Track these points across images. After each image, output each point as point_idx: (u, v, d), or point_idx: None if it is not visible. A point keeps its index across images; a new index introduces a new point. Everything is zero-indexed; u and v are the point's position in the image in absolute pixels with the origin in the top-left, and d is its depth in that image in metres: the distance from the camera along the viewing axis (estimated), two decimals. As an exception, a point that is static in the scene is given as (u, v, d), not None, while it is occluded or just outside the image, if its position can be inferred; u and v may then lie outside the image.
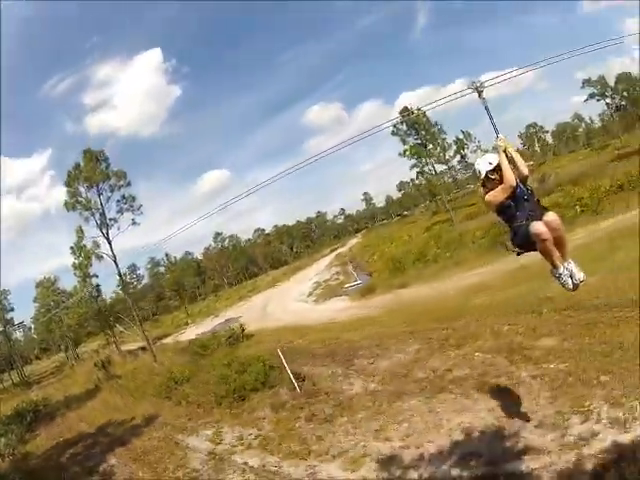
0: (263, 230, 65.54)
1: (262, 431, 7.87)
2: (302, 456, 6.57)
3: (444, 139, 33.73)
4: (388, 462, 5.70)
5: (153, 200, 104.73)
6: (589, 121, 51.92)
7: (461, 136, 39.38)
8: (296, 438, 7.18)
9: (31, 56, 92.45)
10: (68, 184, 17.44)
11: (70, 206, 18.48)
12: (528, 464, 4.52)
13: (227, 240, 59.25)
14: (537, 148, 58.24)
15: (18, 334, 35.66)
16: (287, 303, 21.20)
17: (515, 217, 2.97)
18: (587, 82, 32.46)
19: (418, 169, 34.41)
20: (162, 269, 51.30)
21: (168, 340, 21.63)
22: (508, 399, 5.91)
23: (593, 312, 7.11)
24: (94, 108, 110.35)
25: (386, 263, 18.61)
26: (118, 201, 18.30)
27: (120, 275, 18.33)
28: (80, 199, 17.72)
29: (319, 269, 31.36)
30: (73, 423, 12.71)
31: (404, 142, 35.25)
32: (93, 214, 18.13)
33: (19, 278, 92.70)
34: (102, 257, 17.19)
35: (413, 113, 27.34)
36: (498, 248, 14.78)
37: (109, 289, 34.24)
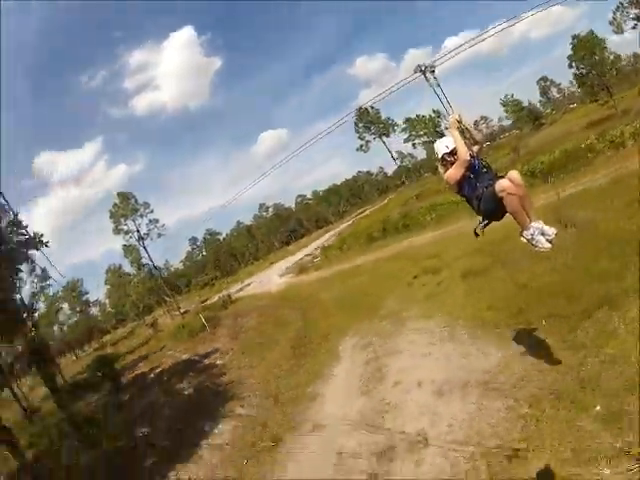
0: (305, 196, 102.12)
1: (190, 345, 28.53)
2: (190, 351, 26.82)
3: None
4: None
5: (215, 165, 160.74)
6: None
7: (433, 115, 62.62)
8: (201, 346, 27.34)
9: (60, 54, 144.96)
10: (112, 216, 41.54)
11: (116, 232, 43.47)
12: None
13: (271, 209, 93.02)
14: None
15: (94, 310, 69.45)
16: (274, 274, 42.28)
17: (476, 188, 5.03)
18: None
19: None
20: (221, 237, 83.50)
21: (207, 302, 44.50)
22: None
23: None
24: (137, 91, 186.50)
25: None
26: (147, 223, 42.74)
27: (155, 267, 42.68)
28: (122, 227, 42.40)
29: (324, 240, 50.17)
30: (132, 359, 36.37)
31: (361, 138, 63.80)
32: (132, 236, 42.96)
33: (83, 257, 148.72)
34: (142, 261, 42.43)
35: (363, 110, 44.71)
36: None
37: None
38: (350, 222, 61.55)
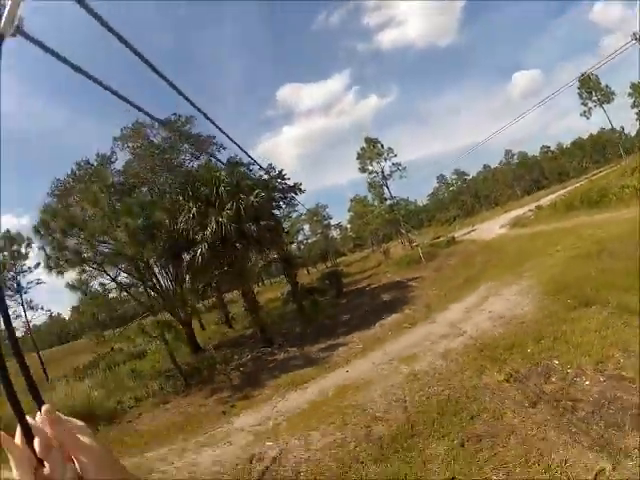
0: (548, 147, 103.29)
1: (405, 271, 36.12)
2: (401, 275, 34.43)
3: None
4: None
5: (466, 102, 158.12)
6: None
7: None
8: (411, 273, 34.81)
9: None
10: (359, 157, 50.53)
11: (362, 171, 52.61)
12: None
13: (516, 156, 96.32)
14: None
15: (335, 233, 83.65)
16: (498, 223, 46.68)
17: None
18: None
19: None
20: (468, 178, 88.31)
21: (439, 239, 50.94)
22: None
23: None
24: (380, 27, 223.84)
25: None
26: (390, 166, 51.00)
27: (396, 203, 51.03)
28: (367, 167, 51.45)
29: (552, 197, 50.90)
30: (357, 278, 45.35)
31: (584, 104, 68.28)
32: (376, 175, 51.67)
33: (330, 181, 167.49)
34: (385, 196, 51.09)
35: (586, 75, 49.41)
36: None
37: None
38: (580, 183, 61.02)
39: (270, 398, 14.71)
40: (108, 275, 25.49)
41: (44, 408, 0.82)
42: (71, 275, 24.54)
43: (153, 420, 17.18)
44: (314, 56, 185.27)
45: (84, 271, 24.97)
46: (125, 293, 26.64)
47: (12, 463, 0.77)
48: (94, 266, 24.72)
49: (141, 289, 26.25)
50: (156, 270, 26.35)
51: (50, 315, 45.44)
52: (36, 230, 24.36)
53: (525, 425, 7.59)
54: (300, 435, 10.50)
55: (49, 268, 24.16)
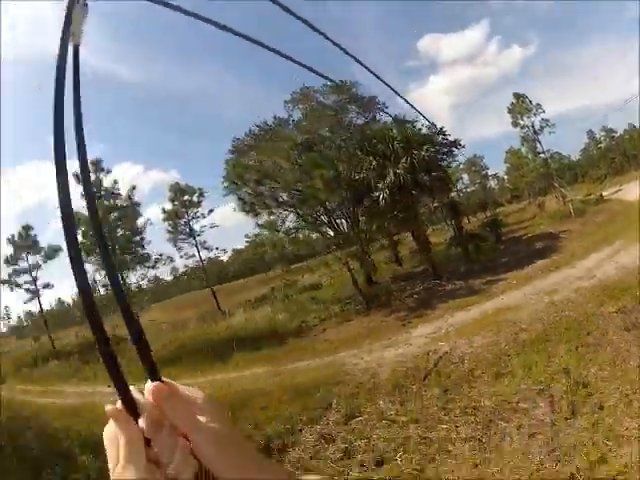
0: None
1: (557, 224, 38.78)
2: (552, 227, 37.17)
3: None
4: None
5: (614, 53, 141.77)
6: None
7: None
8: (561, 226, 37.23)
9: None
10: (509, 112, 52.12)
11: (514, 126, 53.34)
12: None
13: None
14: None
15: (493, 183, 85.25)
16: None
17: None
18: None
19: None
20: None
21: (589, 197, 51.25)
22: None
23: None
24: None
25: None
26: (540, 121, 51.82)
27: (550, 157, 52.85)
28: (519, 122, 52.49)
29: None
30: (514, 228, 46.06)
31: None
32: (528, 130, 52.77)
33: (475, 136, 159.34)
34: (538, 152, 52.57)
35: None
36: None
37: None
38: None
39: (441, 316, 19.57)
40: (300, 217, 31.54)
41: (155, 383, 0.76)
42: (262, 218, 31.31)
43: (339, 333, 22.24)
44: (447, 7, 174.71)
45: (272, 213, 31.03)
46: (306, 232, 32.70)
47: (121, 441, 0.71)
48: (288, 209, 30.93)
49: (328, 229, 32.13)
50: (336, 213, 32.06)
51: (209, 258, 53.73)
52: (231, 181, 31.17)
53: (619, 341, 11.02)
54: (465, 338, 15.41)
55: (245, 212, 31.24)
